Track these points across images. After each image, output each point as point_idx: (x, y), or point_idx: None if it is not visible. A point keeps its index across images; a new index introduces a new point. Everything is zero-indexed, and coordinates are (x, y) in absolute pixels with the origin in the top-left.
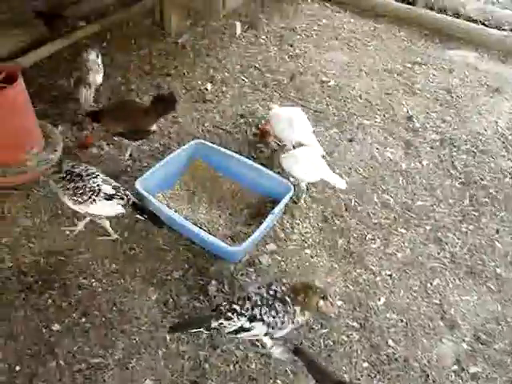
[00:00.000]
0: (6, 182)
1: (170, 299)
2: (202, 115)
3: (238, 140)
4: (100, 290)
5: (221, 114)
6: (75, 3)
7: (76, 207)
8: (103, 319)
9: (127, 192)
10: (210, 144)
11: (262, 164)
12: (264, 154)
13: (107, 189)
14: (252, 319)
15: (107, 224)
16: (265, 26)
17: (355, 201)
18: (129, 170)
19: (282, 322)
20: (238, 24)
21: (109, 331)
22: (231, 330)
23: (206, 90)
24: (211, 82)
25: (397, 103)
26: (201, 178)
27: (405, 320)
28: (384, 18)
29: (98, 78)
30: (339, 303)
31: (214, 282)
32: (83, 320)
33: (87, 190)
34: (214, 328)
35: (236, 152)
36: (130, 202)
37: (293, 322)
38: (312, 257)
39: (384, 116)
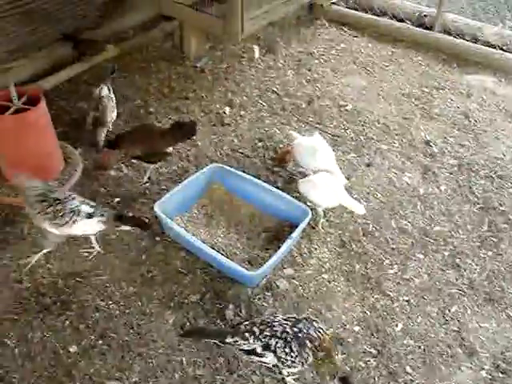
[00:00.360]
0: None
1: (187, 323)
2: (220, 139)
3: (255, 164)
4: (117, 312)
5: (239, 137)
6: (96, 27)
7: (56, 230)
8: (120, 342)
9: (105, 208)
10: (228, 168)
11: (279, 188)
12: (282, 178)
13: (86, 208)
14: (265, 347)
15: (93, 239)
16: (283, 50)
17: (373, 226)
18: (147, 192)
19: (293, 362)
20: (257, 48)
21: (126, 354)
22: (244, 348)
23: (225, 113)
24: (229, 106)
25: (414, 128)
26: (219, 201)
27: (423, 347)
28: (401, 43)
29: (113, 114)
30: (356, 329)
31: (231, 305)
32: (100, 342)
33: (67, 211)
34: (228, 343)
35: (254, 176)
36: (112, 217)
37: (303, 365)
38: (329, 282)
39: (402, 141)
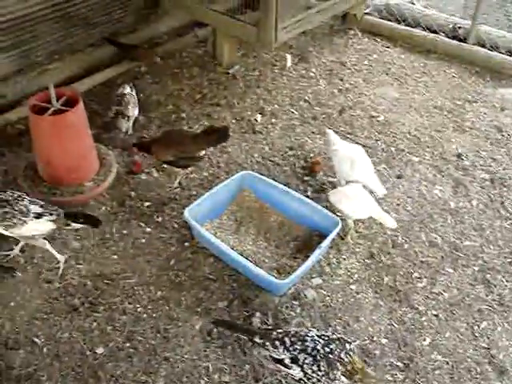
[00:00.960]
0: (62, 202)
1: (213, 329)
2: (251, 146)
3: (286, 172)
4: (145, 316)
5: (270, 145)
6: (130, 32)
7: (7, 232)
8: (147, 345)
9: (55, 207)
10: (259, 175)
11: (309, 197)
12: (312, 187)
13: (35, 208)
14: (293, 360)
15: (49, 247)
16: (315, 60)
17: (402, 238)
18: (177, 197)
19: (318, 380)
20: (289, 56)
21: (152, 357)
22: (272, 355)
23: (256, 121)
24: (261, 114)
25: (446, 140)
26: (248, 208)
27: (451, 362)
28: (434, 55)
29: (135, 110)
30: (384, 341)
31: (258, 313)
32: (127, 345)
33: (16, 212)
34: (256, 343)
35: (284, 184)
36: (62, 215)
37: None
38: (357, 293)
39: (433, 153)
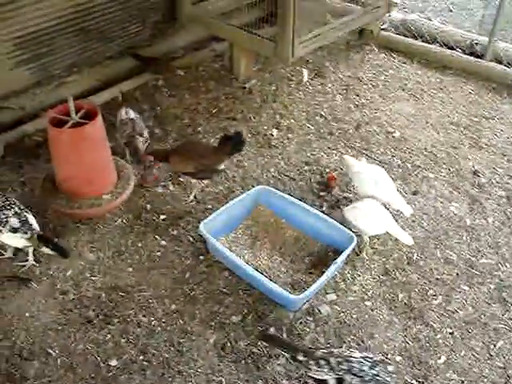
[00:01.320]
0: (80, 214)
1: (227, 343)
2: (267, 161)
3: (301, 187)
4: (159, 329)
5: (285, 160)
6: (149, 45)
7: None
8: (161, 358)
9: (33, 226)
10: (274, 190)
11: (324, 213)
12: (327, 202)
13: (14, 222)
14: (339, 381)
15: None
16: (331, 75)
17: (417, 255)
18: (193, 211)
19: None
20: (305, 71)
21: (166, 371)
22: (313, 375)
23: (272, 135)
24: (277, 128)
25: (462, 157)
26: (263, 223)
27: (466, 382)
28: (451, 70)
29: (144, 130)
30: (398, 359)
31: (272, 328)
32: (141, 358)
33: None
34: (298, 361)
35: (299, 199)
36: (35, 237)
37: None
38: (372, 309)
39: (449, 170)
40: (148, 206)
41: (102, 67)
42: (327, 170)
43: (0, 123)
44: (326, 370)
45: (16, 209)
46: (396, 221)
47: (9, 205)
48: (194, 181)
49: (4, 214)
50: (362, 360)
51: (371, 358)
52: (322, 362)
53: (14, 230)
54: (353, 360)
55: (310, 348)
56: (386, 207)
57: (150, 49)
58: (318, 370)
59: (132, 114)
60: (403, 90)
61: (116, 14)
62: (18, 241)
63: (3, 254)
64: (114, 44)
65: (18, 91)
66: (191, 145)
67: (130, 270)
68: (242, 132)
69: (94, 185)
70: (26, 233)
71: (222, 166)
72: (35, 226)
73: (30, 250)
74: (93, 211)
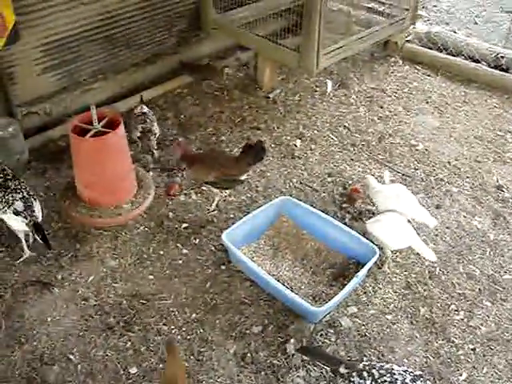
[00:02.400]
0: (101, 223)
1: (248, 354)
2: (290, 171)
3: (324, 199)
4: (179, 337)
5: (308, 171)
6: (174, 53)
7: None
8: None
9: (35, 213)
10: (297, 201)
11: (346, 225)
12: (350, 214)
13: (19, 205)
14: None
15: (23, 240)
16: (355, 86)
17: (440, 269)
18: (215, 220)
19: None
20: (329, 82)
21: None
22: None
23: (295, 146)
24: (300, 139)
25: (486, 171)
26: (285, 234)
27: None
28: (476, 84)
29: (157, 127)
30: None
31: (293, 340)
32: (161, 366)
33: (3, 200)
34: (340, 374)
35: (322, 211)
36: (31, 223)
37: None
38: (393, 323)
39: (473, 184)
40: (170, 214)
41: (128, 74)
42: (350, 182)
43: (26, 128)
44: (368, 382)
45: (25, 193)
46: (419, 235)
47: (20, 189)
48: (216, 190)
49: (13, 197)
50: (403, 372)
51: (412, 372)
52: (365, 374)
53: (17, 213)
54: (395, 372)
55: (350, 360)
56: (409, 222)
57: (175, 57)
58: (360, 383)
59: (145, 109)
60: (427, 102)
61: (142, 22)
62: (17, 224)
63: (22, 256)
64: (139, 51)
65: (44, 97)
66: (213, 154)
67: (151, 277)
68: (263, 141)
69: (114, 194)
70: (26, 218)
71: (243, 177)
72: (38, 213)
73: (25, 246)
74: (112, 220)
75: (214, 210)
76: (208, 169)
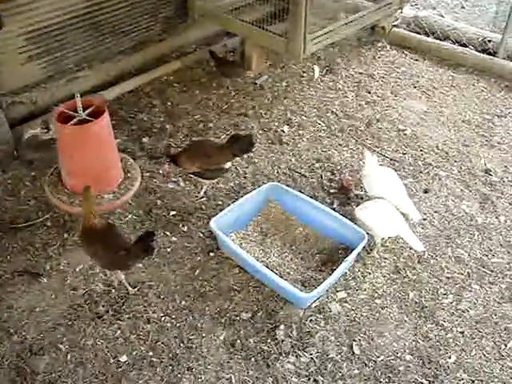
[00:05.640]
0: (77, 211)
1: (237, 340)
2: (278, 157)
3: (312, 184)
4: (169, 325)
5: (296, 157)
6: (160, 41)
7: None
8: (170, 355)
9: None
10: (285, 187)
11: (335, 210)
12: (338, 200)
13: None
14: None
15: None
16: (343, 71)
17: (428, 253)
18: (203, 207)
19: None
20: (317, 68)
21: (175, 367)
22: None
23: (283, 132)
24: (288, 125)
25: (474, 155)
26: (274, 220)
27: (476, 382)
28: (463, 68)
29: None
30: (408, 358)
31: (282, 326)
32: (151, 354)
33: None
34: None
35: (310, 196)
36: None
37: None
38: (382, 308)
39: (461, 168)
40: (158, 202)
41: (114, 62)
42: (338, 168)
43: (12, 118)
44: None
45: None
46: (407, 220)
47: None
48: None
49: None
50: None
51: None
52: None
53: None
54: None
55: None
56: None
57: (162, 44)
58: None
59: None
60: (415, 87)
61: (127, 9)
62: None
63: None
64: (125, 39)
65: (29, 86)
66: (198, 144)
67: (140, 265)
68: (252, 135)
69: (96, 183)
70: None
71: (227, 165)
72: None
73: None
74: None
75: (202, 197)
76: (192, 159)
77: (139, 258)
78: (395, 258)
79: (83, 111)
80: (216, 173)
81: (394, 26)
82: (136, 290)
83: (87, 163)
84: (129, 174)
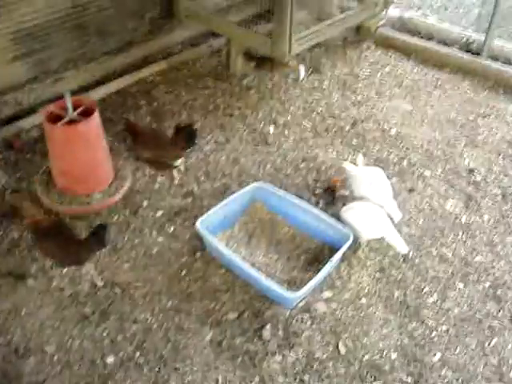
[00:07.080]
0: (69, 211)
1: (224, 340)
2: (264, 157)
3: (297, 184)
4: (155, 326)
5: (282, 157)
6: (146, 41)
7: None
8: (157, 356)
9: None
10: (271, 187)
11: (321, 210)
12: (324, 200)
13: None
14: None
15: None
16: (328, 72)
17: (413, 252)
18: (189, 207)
19: None
20: (302, 68)
21: (162, 368)
22: None
23: (269, 132)
24: (274, 125)
25: (458, 155)
26: (260, 220)
27: (461, 379)
28: (447, 68)
29: None
30: (393, 356)
31: (268, 326)
32: (137, 354)
33: None
34: None
35: (296, 196)
36: None
37: None
38: (368, 307)
39: (445, 167)
40: (145, 203)
41: (99, 63)
42: (323, 168)
43: None
44: None
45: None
46: (392, 220)
47: None
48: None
49: None
50: None
51: None
52: None
53: None
54: None
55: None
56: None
57: (147, 45)
58: None
59: None
60: (400, 87)
61: (113, 10)
62: None
63: None
64: (110, 40)
65: (14, 86)
66: (154, 133)
67: (127, 266)
68: (193, 123)
69: (85, 183)
70: None
71: (178, 163)
72: None
73: None
74: (79, 209)
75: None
76: (144, 146)
77: (92, 251)
78: (380, 257)
79: (73, 111)
80: (162, 166)
81: (380, 26)
82: (103, 283)
83: (77, 162)
84: (119, 174)
